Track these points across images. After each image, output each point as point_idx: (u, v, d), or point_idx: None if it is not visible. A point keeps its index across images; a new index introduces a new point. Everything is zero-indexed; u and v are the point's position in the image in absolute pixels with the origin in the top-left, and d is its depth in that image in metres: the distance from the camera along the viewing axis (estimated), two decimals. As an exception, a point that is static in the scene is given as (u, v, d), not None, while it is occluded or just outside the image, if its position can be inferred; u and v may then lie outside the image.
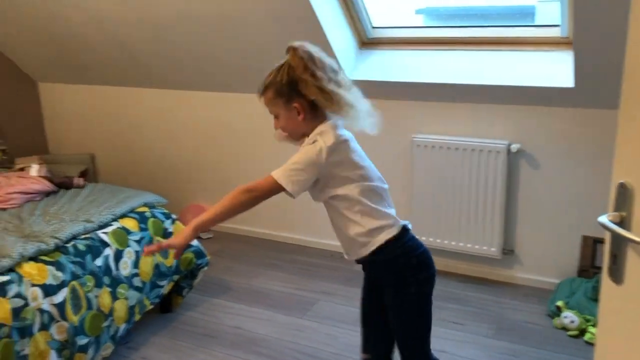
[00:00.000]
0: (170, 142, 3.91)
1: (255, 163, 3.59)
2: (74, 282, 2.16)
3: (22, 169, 3.30)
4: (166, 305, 2.77)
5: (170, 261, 2.59)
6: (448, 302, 2.82)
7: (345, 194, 1.58)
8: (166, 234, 2.66)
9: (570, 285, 2.75)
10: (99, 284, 2.25)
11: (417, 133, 3.03)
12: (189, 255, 2.67)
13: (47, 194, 2.90)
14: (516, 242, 2.98)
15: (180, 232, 1.59)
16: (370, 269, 1.73)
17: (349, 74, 3.01)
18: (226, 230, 3.81)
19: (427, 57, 2.98)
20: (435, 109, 2.99)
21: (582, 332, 2.51)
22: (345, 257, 1.71)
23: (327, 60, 1.58)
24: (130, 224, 2.55)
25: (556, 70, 2.65)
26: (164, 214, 2.74)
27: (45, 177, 3.01)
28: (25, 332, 1.96)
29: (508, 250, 2.98)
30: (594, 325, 2.50)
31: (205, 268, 2.79)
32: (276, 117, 1.64)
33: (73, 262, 2.20)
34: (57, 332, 2.06)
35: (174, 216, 2.78)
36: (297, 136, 1.64)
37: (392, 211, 1.65)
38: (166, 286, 2.61)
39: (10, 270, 2.03)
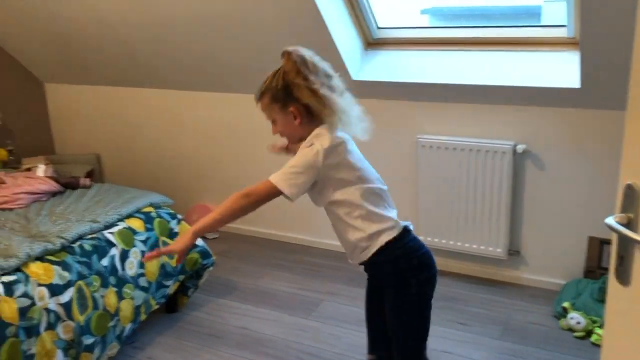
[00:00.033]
0: (175, 142, 3.92)
1: (261, 163, 3.58)
2: (80, 282, 2.17)
3: (28, 169, 3.32)
4: (172, 305, 2.77)
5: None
6: (454, 303, 2.81)
7: (345, 199, 1.59)
8: (172, 234, 2.67)
9: (577, 286, 2.74)
10: (105, 284, 2.26)
11: (422, 133, 3.02)
12: (194, 255, 2.67)
13: (54, 194, 2.91)
14: (522, 243, 2.97)
15: (180, 238, 1.61)
16: (372, 270, 1.73)
17: (355, 75, 3.01)
18: (232, 230, 3.81)
19: (433, 57, 2.98)
20: (441, 109, 2.98)
21: (589, 333, 2.50)
22: (350, 261, 1.72)
23: (321, 64, 1.59)
24: (136, 224, 2.56)
25: (562, 70, 2.64)
26: (169, 214, 2.75)
27: (51, 178, 3.03)
28: (31, 331, 1.97)
29: (514, 251, 2.97)
30: (600, 327, 2.49)
31: (211, 268, 2.80)
32: (273, 122, 1.66)
33: (79, 262, 2.21)
34: (64, 331, 2.07)
35: (179, 216, 2.79)
36: (295, 140, 1.65)
37: (392, 212, 1.65)
38: (172, 286, 2.61)
39: (17, 270, 2.04)
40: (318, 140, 1.55)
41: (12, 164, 3.67)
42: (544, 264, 2.94)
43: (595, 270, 2.78)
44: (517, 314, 2.71)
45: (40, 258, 2.13)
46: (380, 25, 3.09)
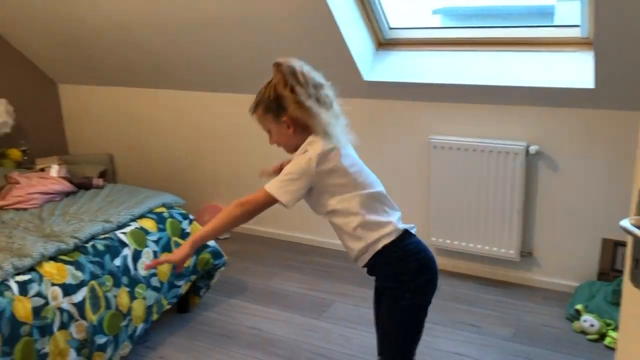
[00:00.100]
0: (187, 142, 3.94)
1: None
2: (93, 282, 2.18)
3: (42, 170, 3.35)
4: (183, 305, 2.79)
5: (188, 262, 2.60)
6: (465, 305, 2.80)
7: (343, 208, 1.62)
8: (184, 235, 2.68)
9: (590, 288, 2.71)
10: (117, 284, 2.28)
11: (434, 134, 3.01)
12: (206, 255, 2.68)
13: (67, 194, 2.94)
14: (535, 245, 2.95)
15: (179, 248, 1.66)
16: (373, 273, 1.75)
17: (366, 76, 3.00)
18: (243, 231, 3.82)
19: (445, 57, 2.97)
20: (453, 110, 2.97)
21: (602, 336, 2.48)
22: (355, 263, 1.75)
23: (311, 75, 1.61)
24: (148, 224, 2.57)
25: (576, 71, 2.62)
26: (181, 214, 2.76)
27: (65, 178, 3.05)
28: (45, 330, 1.98)
29: (526, 253, 2.95)
30: (614, 329, 2.46)
31: (223, 268, 2.81)
32: (269, 132, 1.69)
33: (92, 262, 2.23)
34: (77, 331, 2.09)
35: (191, 217, 2.80)
36: (291, 149, 1.68)
37: (393, 215, 1.67)
38: (183, 286, 2.63)
39: (31, 269, 2.06)
40: (311, 147, 1.59)
41: (26, 164, 3.71)
42: (557, 265, 2.91)
43: (608, 272, 2.75)
44: (529, 316, 2.69)
45: (53, 258, 2.15)
46: (392, 26, 3.08)
